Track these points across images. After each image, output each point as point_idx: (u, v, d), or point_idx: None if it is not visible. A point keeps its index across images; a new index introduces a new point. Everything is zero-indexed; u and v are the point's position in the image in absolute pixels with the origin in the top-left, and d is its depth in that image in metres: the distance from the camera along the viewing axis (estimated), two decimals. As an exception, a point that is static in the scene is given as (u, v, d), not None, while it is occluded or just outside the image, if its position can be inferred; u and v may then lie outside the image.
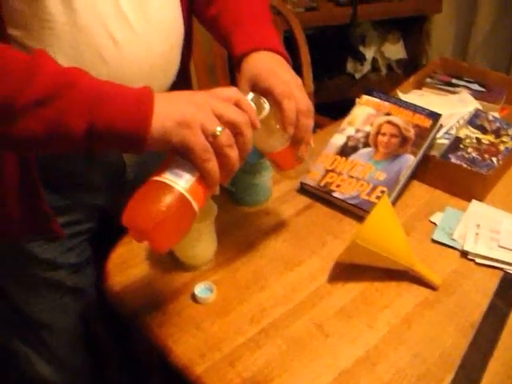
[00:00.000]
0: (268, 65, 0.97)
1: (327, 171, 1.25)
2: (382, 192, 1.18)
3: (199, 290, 1.02)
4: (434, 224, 1.18)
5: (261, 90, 0.92)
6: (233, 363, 0.92)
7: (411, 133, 1.25)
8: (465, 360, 0.92)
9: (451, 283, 1.05)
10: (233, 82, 1.99)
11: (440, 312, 1.00)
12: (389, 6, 2.64)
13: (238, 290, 1.04)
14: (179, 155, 0.80)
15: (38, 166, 0.99)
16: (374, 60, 2.96)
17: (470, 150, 1.30)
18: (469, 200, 1.23)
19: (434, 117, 1.28)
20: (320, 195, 1.24)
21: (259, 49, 0.99)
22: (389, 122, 1.28)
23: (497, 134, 1.35)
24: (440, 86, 1.59)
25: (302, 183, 1.26)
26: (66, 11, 0.86)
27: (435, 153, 1.31)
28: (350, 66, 2.93)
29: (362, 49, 2.91)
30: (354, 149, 1.27)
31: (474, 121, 1.38)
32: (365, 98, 1.36)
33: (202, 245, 1.06)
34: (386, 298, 1.02)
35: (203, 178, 0.80)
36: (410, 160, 1.22)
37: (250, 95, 0.89)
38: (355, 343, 0.95)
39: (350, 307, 1.01)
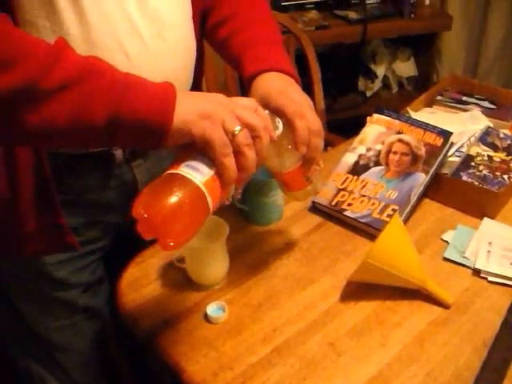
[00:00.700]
0: (278, 85, 0.98)
1: (339, 190, 1.25)
2: (394, 210, 1.18)
3: (211, 309, 1.03)
4: (446, 242, 1.18)
5: (272, 110, 0.93)
6: (245, 382, 0.92)
7: (422, 151, 1.26)
8: (478, 379, 0.91)
9: (464, 301, 1.05)
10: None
11: (453, 330, 0.99)
12: (399, 24, 2.66)
13: (251, 309, 1.04)
14: (197, 150, 0.80)
15: (54, 182, 1.00)
16: (385, 77, 2.97)
17: (481, 167, 1.30)
18: (480, 218, 1.23)
19: (445, 135, 1.28)
20: (332, 214, 1.24)
21: (269, 70, 1.00)
22: (400, 141, 1.29)
23: (508, 151, 1.35)
24: (451, 104, 1.59)
25: (313, 202, 1.26)
26: (81, 26, 0.88)
27: (446, 171, 1.31)
28: (361, 83, 2.94)
29: (373, 66, 2.93)
30: (366, 167, 1.27)
31: (485, 138, 1.38)
32: (376, 116, 1.36)
33: (214, 264, 1.07)
34: (398, 316, 1.02)
35: (220, 174, 0.80)
36: (421, 178, 1.23)
37: (265, 112, 0.90)
38: (368, 362, 0.95)
39: (362, 326, 1.01)
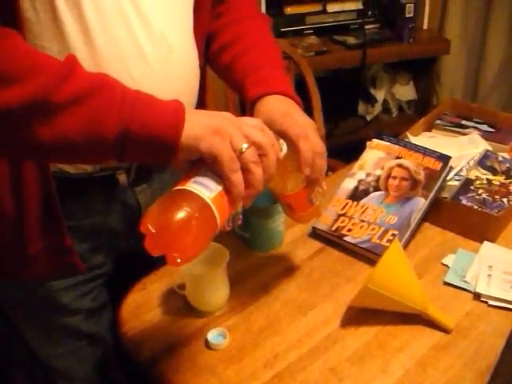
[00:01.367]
0: (282, 108, 1.00)
1: (339, 215, 1.26)
2: (394, 235, 1.18)
3: (212, 336, 1.03)
4: (447, 266, 1.18)
5: (275, 133, 0.93)
6: (247, 409, 0.92)
7: (421, 176, 1.27)
8: (481, 404, 0.91)
9: (465, 326, 1.05)
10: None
11: (455, 355, 0.99)
12: (398, 48, 2.68)
13: (252, 335, 1.05)
14: (205, 167, 0.81)
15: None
16: (385, 101, 2.99)
17: (480, 191, 1.31)
18: (481, 241, 1.23)
19: (444, 159, 1.29)
20: (332, 239, 1.25)
21: (272, 93, 1.02)
22: (399, 166, 1.30)
23: (507, 174, 1.36)
24: (450, 128, 1.60)
25: (313, 228, 1.27)
26: (88, 49, 0.89)
27: (446, 195, 1.32)
28: (361, 108, 2.96)
29: (372, 91, 2.95)
30: (365, 193, 1.28)
31: (484, 162, 1.39)
32: (375, 141, 1.37)
33: (215, 291, 1.07)
34: (399, 341, 1.02)
35: (228, 190, 0.80)
36: (420, 203, 1.23)
37: None
38: (369, 388, 0.95)
39: (363, 351, 1.01)
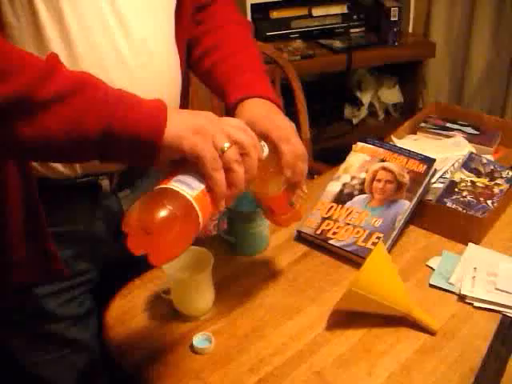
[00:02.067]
0: (263, 111, 1.00)
1: (323, 219, 1.26)
2: (378, 238, 1.19)
3: (198, 340, 1.03)
4: (432, 268, 1.18)
5: (257, 135, 0.94)
6: (232, 414, 0.92)
7: (406, 178, 1.27)
8: (465, 406, 0.91)
9: (450, 328, 1.05)
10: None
11: (439, 357, 0.99)
12: (383, 52, 2.69)
13: (237, 340, 1.04)
14: (188, 167, 0.81)
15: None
16: (372, 105, 2.99)
17: (465, 193, 1.31)
18: (465, 243, 1.24)
19: (429, 162, 1.29)
20: (317, 243, 1.25)
21: (253, 96, 1.03)
22: (384, 169, 1.30)
23: (491, 176, 1.36)
24: (434, 131, 1.61)
25: (298, 231, 1.27)
26: (69, 56, 0.89)
27: (431, 197, 1.32)
28: (347, 111, 2.96)
29: (358, 94, 2.95)
30: (350, 196, 1.28)
31: (469, 164, 1.40)
32: (360, 144, 1.38)
33: (200, 295, 1.07)
34: (384, 344, 1.02)
35: (210, 189, 0.81)
36: (405, 205, 1.23)
37: None
38: (355, 391, 0.95)
39: (349, 354, 1.01)
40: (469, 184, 1.34)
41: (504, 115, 2.82)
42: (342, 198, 1.29)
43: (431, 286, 1.14)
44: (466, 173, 1.37)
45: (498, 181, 1.35)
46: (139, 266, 1.14)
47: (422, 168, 1.28)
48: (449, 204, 1.29)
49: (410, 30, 2.87)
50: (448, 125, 1.63)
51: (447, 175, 1.38)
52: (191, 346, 1.03)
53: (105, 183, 1.08)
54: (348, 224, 1.23)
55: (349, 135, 2.83)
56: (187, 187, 0.79)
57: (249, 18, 2.53)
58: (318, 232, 1.24)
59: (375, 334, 1.04)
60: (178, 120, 0.81)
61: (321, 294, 1.13)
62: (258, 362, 1.00)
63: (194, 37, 1.15)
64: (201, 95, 2.01)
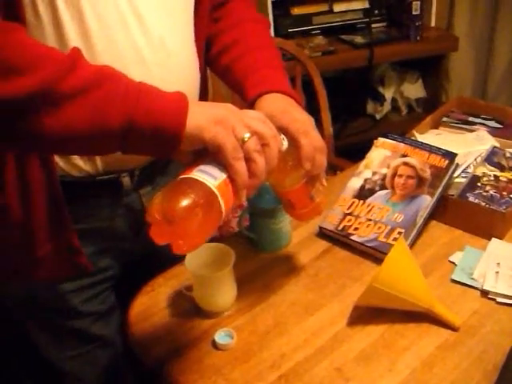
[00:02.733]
0: (281, 105, 1.01)
1: (345, 215, 1.26)
2: (400, 233, 1.18)
3: (219, 336, 1.03)
4: (454, 264, 1.17)
5: (276, 129, 0.94)
6: (254, 409, 0.92)
7: (427, 173, 1.26)
8: (488, 402, 0.91)
9: (472, 324, 1.04)
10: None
11: (462, 354, 0.99)
12: (405, 47, 2.67)
13: (259, 336, 1.05)
14: (209, 157, 0.81)
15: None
16: (394, 100, 2.98)
17: (487, 187, 1.30)
18: (488, 238, 1.22)
19: (450, 156, 1.29)
20: (339, 239, 1.25)
21: (271, 91, 1.03)
22: (405, 164, 1.29)
23: (515, 171, 1.35)
24: (457, 125, 1.60)
25: (320, 227, 1.27)
26: (88, 54, 0.90)
27: (453, 192, 1.31)
28: (370, 107, 2.95)
29: (381, 89, 2.94)
30: (371, 191, 1.28)
31: (491, 158, 1.39)
32: (381, 140, 1.37)
33: (222, 292, 1.08)
34: (405, 340, 1.02)
35: (232, 179, 0.81)
36: (427, 201, 1.23)
37: None
38: (376, 387, 0.95)
39: (369, 350, 1.00)
40: (492, 178, 1.33)
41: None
42: (363, 194, 1.28)
43: (453, 281, 1.13)
44: (489, 167, 1.36)
45: (522, 175, 1.34)
46: (161, 262, 1.15)
47: (444, 163, 1.28)
48: (471, 199, 1.28)
49: (433, 24, 2.84)
50: (471, 119, 1.62)
51: (470, 170, 1.36)
52: (213, 342, 1.04)
53: (126, 180, 1.09)
54: (369, 220, 1.23)
55: (372, 131, 2.82)
56: (209, 177, 0.80)
57: (270, 14, 2.53)
58: (340, 228, 1.24)
59: (396, 330, 1.04)
60: (199, 111, 0.81)
61: (342, 290, 1.13)
62: (279, 358, 1.00)
63: (211, 34, 1.15)
64: (223, 93, 2.02)
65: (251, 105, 1.03)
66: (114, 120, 0.78)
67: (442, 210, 1.27)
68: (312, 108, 1.94)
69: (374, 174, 1.31)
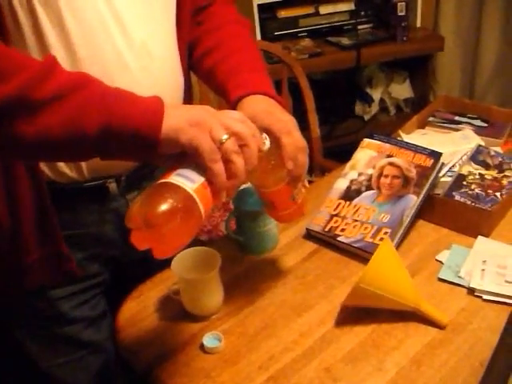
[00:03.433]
0: (264, 106, 1.02)
1: (332, 216, 1.26)
2: (386, 233, 1.19)
3: (207, 339, 1.03)
4: (441, 263, 1.18)
5: (259, 128, 0.95)
6: (243, 412, 0.92)
7: (413, 173, 1.27)
8: (475, 399, 0.91)
9: (459, 322, 1.05)
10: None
11: (449, 351, 0.99)
12: (392, 48, 2.69)
13: (247, 338, 1.05)
14: (188, 159, 0.82)
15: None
16: (382, 101, 2.99)
17: (473, 186, 1.31)
18: (475, 236, 1.23)
19: (435, 156, 1.29)
20: (326, 240, 1.25)
21: (254, 93, 1.04)
22: (390, 164, 1.30)
23: (499, 168, 1.36)
24: (443, 124, 1.60)
25: (307, 229, 1.27)
26: (71, 61, 0.91)
27: (439, 191, 1.32)
28: (358, 108, 2.96)
29: (369, 90, 2.95)
30: (358, 192, 1.28)
31: (477, 157, 1.39)
32: (366, 141, 1.38)
33: (209, 295, 1.08)
34: (394, 339, 1.02)
35: (210, 181, 0.82)
36: (413, 200, 1.23)
37: None
38: (364, 387, 0.95)
39: (358, 350, 1.01)
40: (477, 177, 1.33)
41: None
42: (349, 195, 1.29)
43: (440, 279, 1.14)
44: (475, 166, 1.37)
45: (507, 173, 1.34)
46: (152, 267, 1.15)
47: (429, 162, 1.28)
48: (457, 197, 1.28)
49: (419, 25, 2.85)
50: (456, 118, 1.62)
51: (455, 169, 1.37)
52: (201, 346, 1.04)
53: (112, 186, 1.09)
54: (356, 220, 1.23)
55: (360, 132, 2.82)
56: (187, 180, 0.80)
57: (256, 17, 2.54)
58: (327, 229, 1.24)
59: (384, 330, 1.04)
60: (175, 113, 0.81)
61: (330, 291, 1.14)
62: (267, 360, 1.00)
63: (194, 38, 1.16)
64: (210, 98, 2.02)
65: (234, 106, 1.04)
66: (90, 125, 0.78)
67: (429, 209, 1.27)
68: (299, 110, 1.95)
69: (360, 174, 1.31)
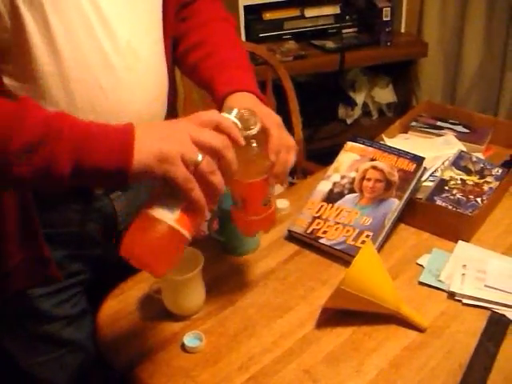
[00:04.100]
0: (251, 102, 1.02)
1: (314, 218, 1.26)
2: (368, 236, 1.19)
3: (188, 339, 1.03)
4: (422, 266, 1.19)
5: (248, 111, 0.95)
6: (222, 412, 0.92)
7: (396, 177, 1.28)
8: (453, 402, 0.92)
9: (439, 325, 1.06)
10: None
11: (428, 354, 1.00)
12: (376, 52, 2.70)
13: (227, 339, 1.05)
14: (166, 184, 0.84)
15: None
16: (365, 105, 3.00)
17: (454, 191, 1.32)
18: (455, 241, 1.24)
19: (418, 160, 1.30)
20: (307, 242, 1.26)
21: (240, 90, 1.04)
22: (373, 168, 1.31)
23: (481, 174, 1.37)
24: (425, 129, 1.61)
25: (289, 231, 1.28)
26: (55, 62, 0.91)
27: (421, 195, 1.33)
28: (341, 111, 2.97)
29: (352, 94, 2.96)
30: (340, 195, 1.29)
31: (458, 162, 1.41)
32: (349, 144, 1.38)
33: (190, 295, 1.08)
34: (373, 341, 1.03)
35: (190, 205, 0.84)
36: (395, 204, 1.24)
37: (235, 111, 0.91)
38: (343, 388, 0.95)
39: (338, 352, 1.01)
40: (459, 182, 1.35)
41: (497, 113, 2.83)
42: (332, 197, 1.29)
43: (421, 283, 1.15)
44: (456, 171, 1.38)
45: (488, 178, 1.36)
46: (133, 266, 1.15)
47: (412, 167, 1.29)
48: (439, 202, 1.29)
49: (403, 30, 2.87)
50: (439, 123, 1.64)
51: (437, 173, 1.38)
52: (182, 345, 1.04)
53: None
54: (338, 223, 1.24)
55: (343, 135, 2.83)
56: (168, 210, 0.84)
57: (241, 19, 2.54)
58: (309, 231, 1.25)
59: (364, 332, 1.05)
60: (144, 149, 0.81)
61: (311, 293, 1.14)
62: (247, 361, 1.01)
63: (179, 33, 1.16)
64: (195, 98, 2.02)
65: (220, 103, 1.04)
66: (63, 171, 0.79)
67: (410, 214, 1.28)
68: (283, 112, 1.95)
69: (343, 177, 1.32)
